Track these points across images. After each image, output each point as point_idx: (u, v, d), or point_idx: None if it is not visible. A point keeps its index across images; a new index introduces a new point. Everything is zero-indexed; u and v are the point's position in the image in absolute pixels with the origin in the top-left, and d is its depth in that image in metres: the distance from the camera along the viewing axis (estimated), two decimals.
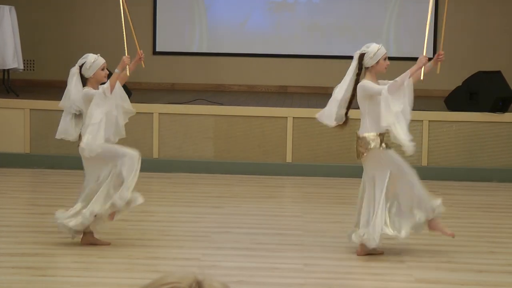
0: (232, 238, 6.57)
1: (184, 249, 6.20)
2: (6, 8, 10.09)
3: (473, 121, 9.30)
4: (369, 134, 5.93)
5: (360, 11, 12.37)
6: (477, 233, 6.83)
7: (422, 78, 5.97)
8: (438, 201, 6.00)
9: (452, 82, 9.96)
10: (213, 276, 1.71)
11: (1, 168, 9.26)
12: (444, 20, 6.59)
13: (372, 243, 5.84)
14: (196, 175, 9.17)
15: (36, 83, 11.88)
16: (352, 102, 5.98)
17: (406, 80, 5.76)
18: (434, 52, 12.22)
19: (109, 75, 6.15)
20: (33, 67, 12.31)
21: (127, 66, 6.21)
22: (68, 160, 9.18)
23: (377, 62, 5.90)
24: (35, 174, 9.19)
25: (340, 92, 5.96)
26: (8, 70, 10.31)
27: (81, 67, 6.01)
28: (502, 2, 12.23)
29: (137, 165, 6.07)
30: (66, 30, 12.43)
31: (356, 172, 9.22)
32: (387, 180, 5.89)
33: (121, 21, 6.47)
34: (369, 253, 6.00)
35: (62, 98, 6.10)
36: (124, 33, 6.44)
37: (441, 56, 6.04)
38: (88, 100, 5.93)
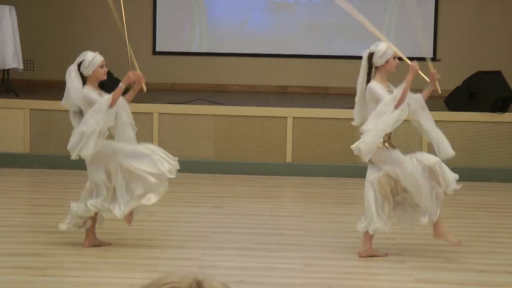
0: (232, 238, 6.57)
1: (184, 249, 6.20)
2: (6, 8, 10.09)
3: (473, 121, 9.30)
4: None
5: (360, 11, 12.29)
6: (477, 233, 6.83)
7: (440, 91, 6.03)
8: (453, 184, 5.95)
9: (452, 82, 9.96)
10: (213, 276, 1.71)
11: (1, 168, 9.26)
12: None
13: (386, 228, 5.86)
14: (196, 175, 9.16)
15: (36, 83, 11.88)
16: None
17: (407, 95, 5.77)
18: (434, 52, 12.26)
19: (108, 74, 6.13)
20: (33, 67, 12.31)
21: (131, 89, 6.19)
22: (68, 160, 9.15)
23: (387, 61, 5.88)
24: (35, 174, 9.19)
25: (358, 93, 5.95)
26: (8, 70, 10.31)
27: (79, 65, 5.96)
28: (502, 2, 12.23)
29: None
30: (66, 30, 12.43)
31: (356, 172, 9.24)
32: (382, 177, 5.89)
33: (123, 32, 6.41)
34: (372, 255, 6.00)
35: (64, 97, 6.06)
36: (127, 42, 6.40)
37: (435, 76, 6.00)
38: (88, 102, 5.89)
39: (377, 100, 5.83)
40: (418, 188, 5.82)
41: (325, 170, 9.27)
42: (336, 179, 9.11)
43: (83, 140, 5.84)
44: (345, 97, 11.42)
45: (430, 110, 6.09)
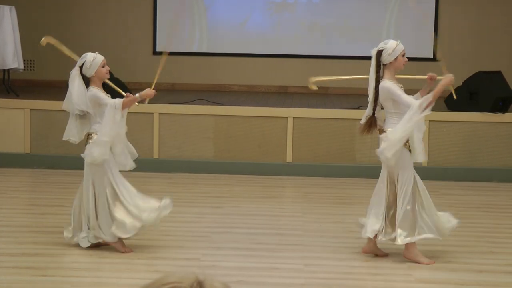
0: (232, 238, 6.57)
1: (184, 249, 6.20)
2: (6, 8, 10.09)
3: (473, 121, 9.30)
4: None
5: (360, 11, 12.37)
6: (477, 233, 6.83)
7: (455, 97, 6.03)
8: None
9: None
10: (214, 276, 1.71)
11: (1, 168, 9.26)
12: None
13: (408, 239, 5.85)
14: (196, 175, 9.17)
15: (36, 83, 11.88)
16: (377, 101, 5.90)
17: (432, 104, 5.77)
18: (434, 53, 12.25)
19: (109, 74, 6.12)
20: (33, 67, 12.31)
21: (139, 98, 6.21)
22: (68, 160, 9.19)
23: (396, 59, 5.86)
24: (35, 174, 9.19)
25: (371, 94, 5.89)
26: (8, 70, 10.31)
27: (81, 67, 5.96)
28: (502, 2, 12.24)
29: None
30: (66, 30, 12.42)
31: (356, 172, 9.25)
32: (413, 179, 5.87)
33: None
34: (375, 253, 6.01)
35: (65, 100, 6.05)
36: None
37: (435, 78, 5.97)
38: (97, 102, 5.88)
39: (393, 100, 5.81)
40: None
41: (325, 170, 9.27)
42: (336, 179, 9.11)
43: (101, 147, 5.84)
44: (345, 97, 11.43)
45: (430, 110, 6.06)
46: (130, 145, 6.15)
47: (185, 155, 9.49)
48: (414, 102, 5.73)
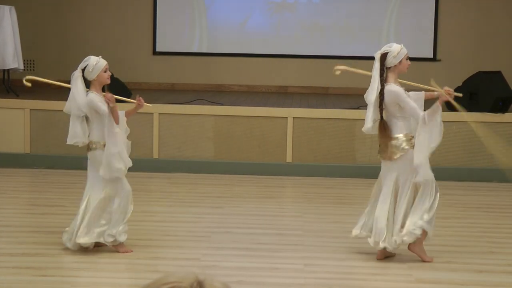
0: (232, 238, 6.57)
1: (184, 249, 6.20)
2: (6, 8, 10.09)
3: (473, 121, 9.28)
4: (402, 134, 5.88)
5: (360, 11, 12.38)
6: (477, 233, 6.83)
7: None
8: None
9: (452, 82, 9.95)
10: (214, 276, 1.71)
11: (1, 168, 9.27)
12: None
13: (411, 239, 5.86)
14: (196, 175, 9.17)
15: (36, 83, 11.87)
16: (382, 104, 5.89)
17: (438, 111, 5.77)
18: (434, 53, 12.26)
19: (111, 77, 6.12)
20: (33, 67, 12.31)
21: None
22: (68, 160, 9.19)
23: (400, 62, 5.86)
24: (35, 174, 9.19)
25: (372, 95, 5.87)
26: (8, 70, 10.31)
27: (83, 70, 5.96)
28: (502, 2, 12.24)
29: (131, 205, 6.05)
30: (67, 30, 12.43)
31: (356, 172, 9.25)
32: (410, 183, 5.90)
33: None
34: (387, 256, 6.02)
35: (67, 103, 6.02)
36: None
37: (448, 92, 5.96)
38: (93, 109, 5.89)
39: (400, 105, 5.81)
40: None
41: (325, 170, 9.28)
42: (336, 179, 9.12)
43: (115, 160, 5.85)
44: (345, 97, 11.44)
45: None
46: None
47: (185, 155, 9.49)
48: (419, 113, 5.74)
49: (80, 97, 5.90)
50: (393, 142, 5.87)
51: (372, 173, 9.04)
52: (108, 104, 5.81)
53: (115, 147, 5.84)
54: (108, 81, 6.01)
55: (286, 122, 9.39)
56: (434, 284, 5.55)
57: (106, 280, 5.53)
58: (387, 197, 5.92)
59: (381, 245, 5.88)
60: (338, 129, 9.37)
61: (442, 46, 12.30)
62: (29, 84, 6.14)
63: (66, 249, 6.07)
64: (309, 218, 7.32)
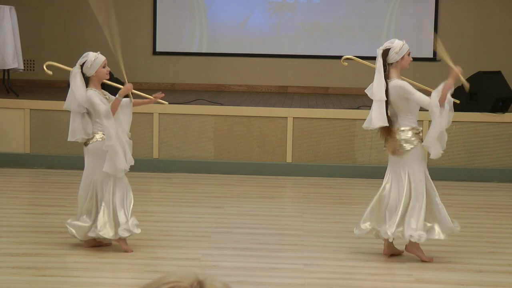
0: (233, 238, 6.57)
1: (184, 249, 6.20)
2: (6, 8, 10.09)
3: (473, 121, 9.30)
4: (412, 129, 5.88)
5: (360, 11, 12.38)
6: (477, 233, 6.83)
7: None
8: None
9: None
10: (214, 276, 1.71)
11: (1, 168, 9.27)
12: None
13: (422, 239, 5.86)
14: (196, 175, 9.17)
15: (36, 83, 11.88)
16: (388, 100, 5.89)
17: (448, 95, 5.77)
18: (434, 53, 12.25)
19: (109, 74, 6.12)
20: (33, 67, 12.31)
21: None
22: (68, 160, 9.19)
23: (402, 58, 5.86)
24: (35, 174, 9.19)
25: (381, 92, 5.84)
26: (8, 70, 10.31)
27: (82, 66, 5.95)
28: (502, 2, 12.24)
29: (129, 195, 6.05)
30: (66, 30, 12.43)
31: (356, 172, 9.25)
32: (426, 174, 5.90)
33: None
34: (393, 253, 6.02)
35: (66, 100, 6.00)
36: None
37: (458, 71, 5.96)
38: (91, 105, 5.89)
39: (407, 99, 5.80)
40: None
41: (325, 170, 9.28)
42: (336, 179, 9.11)
43: (113, 155, 5.84)
44: (345, 97, 11.43)
45: None
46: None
47: (185, 155, 9.49)
48: (430, 100, 5.73)
49: (80, 92, 5.88)
50: (401, 136, 5.86)
51: (372, 173, 9.07)
52: (121, 94, 5.85)
53: (109, 140, 5.84)
54: (107, 77, 6.00)
55: (286, 122, 9.39)
56: (434, 284, 5.55)
57: (106, 280, 5.53)
58: (401, 192, 5.91)
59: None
60: (338, 129, 9.37)
61: (442, 44, 12.28)
62: (50, 72, 6.11)
63: (66, 249, 6.07)
64: (309, 218, 7.32)
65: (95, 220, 5.97)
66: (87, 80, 5.96)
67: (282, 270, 5.74)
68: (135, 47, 12.39)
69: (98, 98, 5.88)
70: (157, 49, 12.43)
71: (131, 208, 5.99)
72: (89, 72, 5.92)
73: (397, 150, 5.88)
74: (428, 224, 5.88)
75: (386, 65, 5.86)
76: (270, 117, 9.43)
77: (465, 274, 5.72)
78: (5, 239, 6.37)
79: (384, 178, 6.01)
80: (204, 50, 12.48)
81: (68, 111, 6.07)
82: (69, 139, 6.03)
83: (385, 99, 5.81)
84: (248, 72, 12.37)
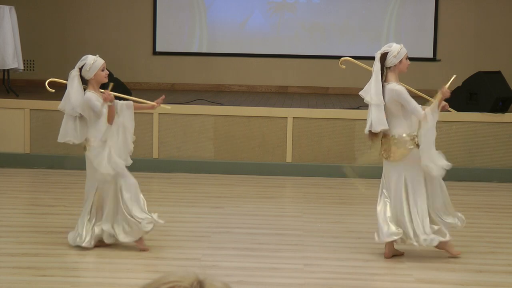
0: (233, 238, 6.57)
1: (184, 249, 6.20)
2: (6, 8, 10.09)
3: (473, 121, 9.30)
4: (407, 134, 5.89)
5: (360, 11, 12.38)
6: (477, 233, 6.83)
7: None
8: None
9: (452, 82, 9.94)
10: (214, 276, 1.71)
11: (1, 168, 9.27)
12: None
13: (435, 242, 5.88)
14: (196, 175, 9.17)
15: (36, 83, 11.88)
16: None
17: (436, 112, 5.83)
18: (434, 53, 12.26)
19: (109, 75, 6.13)
20: (33, 67, 12.31)
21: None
22: (68, 160, 9.19)
23: (400, 61, 5.87)
24: (35, 174, 9.19)
25: (378, 95, 5.84)
26: (8, 70, 10.31)
27: (80, 69, 5.96)
28: (502, 2, 12.24)
29: (140, 194, 6.08)
30: (66, 30, 12.43)
31: (356, 172, 9.24)
32: (424, 178, 5.93)
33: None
34: (394, 254, 6.02)
35: (62, 101, 6.02)
36: None
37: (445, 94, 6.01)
38: (90, 108, 5.89)
39: (401, 104, 5.81)
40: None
41: (325, 170, 9.28)
42: (336, 179, 9.11)
43: (105, 158, 5.85)
44: (345, 97, 11.43)
45: None
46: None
47: (185, 155, 9.49)
48: (421, 111, 5.76)
49: (75, 96, 5.89)
50: (397, 142, 5.87)
51: (372, 173, 9.06)
52: (105, 102, 5.83)
53: (101, 134, 5.88)
54: (106, 80, 6.02)
55: (286, 122, 9.38)
56: (434, 284, 5.55)
57: (106, 280, 5.53)
58: (400, 198, 5.92)
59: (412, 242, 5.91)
60: (338, 129, 9.37)
61: (442, 46, 12.29)
62: (52, 90, 6.15)
63: (66, 249, 6.07)
64: (309, 218, 7.32)
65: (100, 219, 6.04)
66: (85, 83, 5.97)
67: (282, 270, 5.74)
68: (135, 47, 12.39)
69: (96, 99, 5.88)
70: (157, 49, 12.43)
71: (145, 206, 6.05)
72: (88, 75, 5.93)
73: (394, 157, 5.88)
74: (436, 227, 5.95)
75: (384, 69, 5.87)
76: (270, 117, 9.43)
77: (465, 274, 5.72)
78: (5, 239, 6.37)
79: (380, 184, 6.04)
80: (204, 50, 12.48)
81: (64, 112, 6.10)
82: (59, 140, 6.09)
83: (384, 103, 5.82)
84: (248, 72, 12.37)
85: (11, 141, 9.49)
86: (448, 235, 5.93)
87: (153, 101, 6.40)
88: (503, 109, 9.36)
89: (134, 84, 11.61)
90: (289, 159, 9.39)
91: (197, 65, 12.39)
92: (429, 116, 5.78)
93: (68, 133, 6.01)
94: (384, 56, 5.86)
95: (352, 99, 10.79)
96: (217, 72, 12.39)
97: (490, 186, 8.99)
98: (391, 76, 5.87)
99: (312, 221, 7.18)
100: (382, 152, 5.98)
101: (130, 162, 6.11)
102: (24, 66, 10.67)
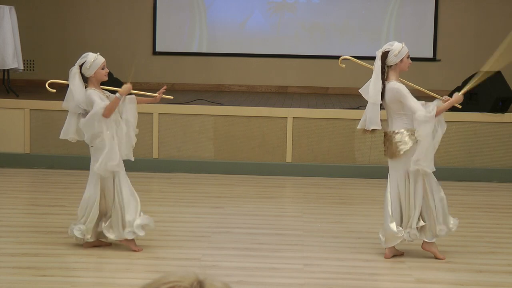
0: (233, 238, 6.56)
1: (184, 249, 6.20)
2: (6, 8, 10.09)
3: (473, 121, 9.30)
4: (407, 130, 5.89)
5: (360, 11, 12.38)
6: (477, 233, 6.83)
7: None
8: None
9: (452, 82, 9.96)
10: (214, 276, 1.71)
11: (1, 168, 9.27)
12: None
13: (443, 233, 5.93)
14: (196, 175, 9.17)
15: (36, 83, 11.88)
16: (383, 102, 5.91)
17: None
18: (434, 53, 12.26)
19: (109, 74, 6.13)
20: (33, 67, 12.31)
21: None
22: (68, 160, 9.19)
23: (401, 60, 5.87)
24: (35, 174, 9.19)
25: (376, 95, 5.85)
26: (8, 70, 10.31)
27: (81, 66, 5.96)
28: (502, 2, 12.24)
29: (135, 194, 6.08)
30: (66, 30, 12.43)
31: (356, 172, 9.25)
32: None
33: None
34: (394, 254, 6.02)
35: (65, 99, 6.02)
36: None
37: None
38: (90, 104, 5.90)
39: (402, 103, 5.82)
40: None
41: (325, 170, 9.28)
42: (336, 179, 9.11)
43: (107, 156, 5.85)
44: (345, 97, 11.43)
45: None
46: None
47: (185, 155, 9.49)
48: (422, 110, 5.76)
49: (78, 93, 5.90)
50: (397, 137, 5.87)
51: (372, 173, 9.07)
52: (122, 94, 5.87)
53: (106, 144, 5.89)
54: (106, 78, 6.03)
55: (286, 122, 9.39)
56: (434, 284, 5.55)
57: (106, 280, 5.53)
58: (404, 194, 5.94)
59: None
60: (338, 129, 9.37)
61: (442, 46, 12.30)
62: (53, 90, 6.14)
63: (66, 249, 6.07)
64: (309, 218, 7.32)
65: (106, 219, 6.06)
66: (86, 81, 5.97)
67: (282, 270, 5.74)
68: (135, 47, 12.39)
69: (98, 96, 5.89)
70: (157, 49, 12.43)
71: (139, 208, 6.04)
72: (88, 73, 5.93)
73: (395, 154, 5.89)
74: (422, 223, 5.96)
75: (385, 68, 5.87)
76: (270, 117, 9.43)
77: (465, 274, 5.71)
78: (5, 239, 6.37)
79: (387, 183, 6.03)
80: (204, 50, 12.48)
81: (67, 111, 6.10)
82: (61, 136, 6.11)
83: (380, 102, 5.83)
84: (248, 72, 12.37)
85: (11, 141, 9.49)
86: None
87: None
88: (503, 109, 9.36)
89: (134, 84, 11.57)
90: (289, 159, 9.39)
91: (197, 65, 12.39)
92: (428, 115, 5.77)
93: (69, 131, 6.04)
94: (385, 55, 5.86)
95: (352, 99, 10.79)
96: (217, 72, 12.39)
97: (490, 186, 8.99)
98: (392, 74, 5.87)
99: (312, 221, 7.18)
100: (385, 150, 5.99)
101: (132, 158, 6.11)
102: (24, 66, 10.67)
